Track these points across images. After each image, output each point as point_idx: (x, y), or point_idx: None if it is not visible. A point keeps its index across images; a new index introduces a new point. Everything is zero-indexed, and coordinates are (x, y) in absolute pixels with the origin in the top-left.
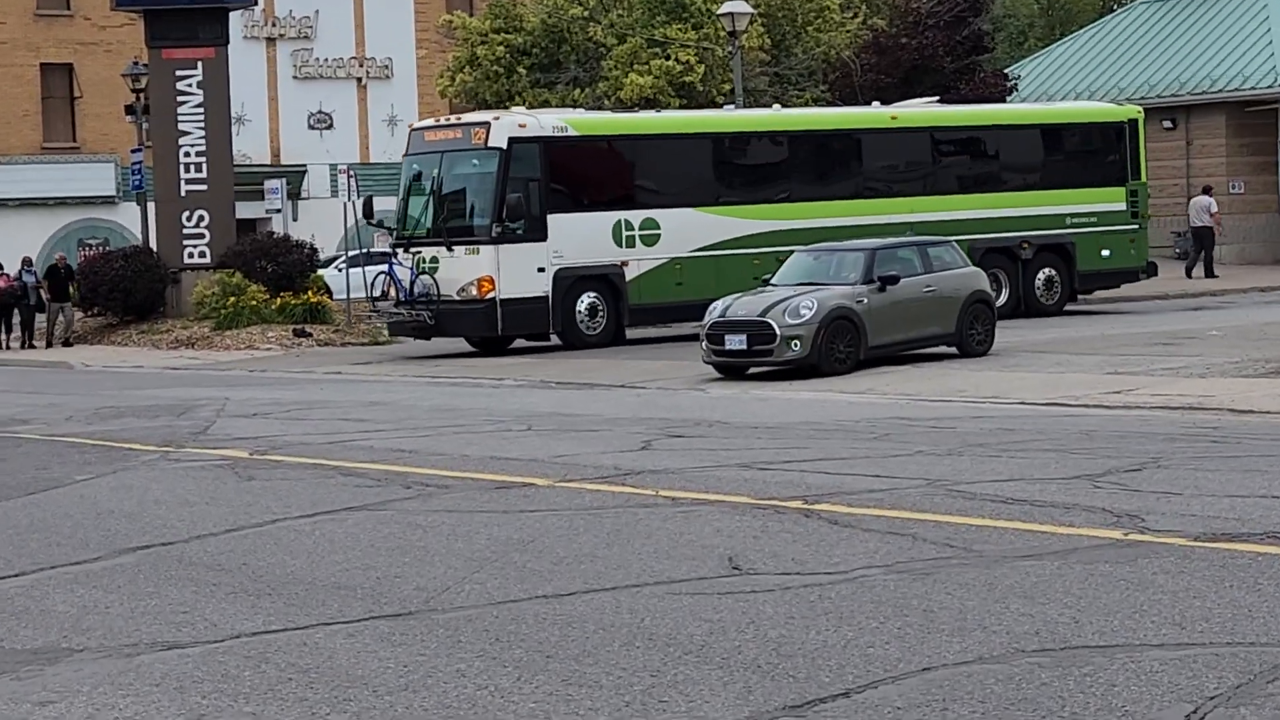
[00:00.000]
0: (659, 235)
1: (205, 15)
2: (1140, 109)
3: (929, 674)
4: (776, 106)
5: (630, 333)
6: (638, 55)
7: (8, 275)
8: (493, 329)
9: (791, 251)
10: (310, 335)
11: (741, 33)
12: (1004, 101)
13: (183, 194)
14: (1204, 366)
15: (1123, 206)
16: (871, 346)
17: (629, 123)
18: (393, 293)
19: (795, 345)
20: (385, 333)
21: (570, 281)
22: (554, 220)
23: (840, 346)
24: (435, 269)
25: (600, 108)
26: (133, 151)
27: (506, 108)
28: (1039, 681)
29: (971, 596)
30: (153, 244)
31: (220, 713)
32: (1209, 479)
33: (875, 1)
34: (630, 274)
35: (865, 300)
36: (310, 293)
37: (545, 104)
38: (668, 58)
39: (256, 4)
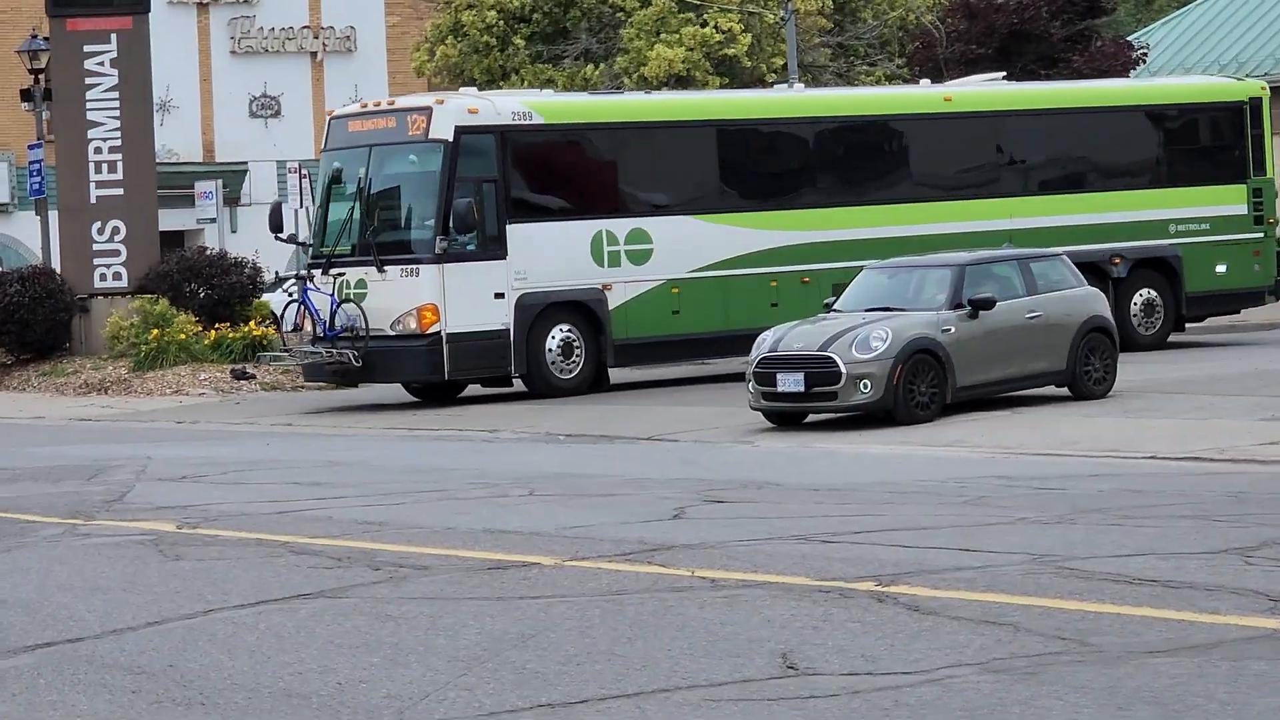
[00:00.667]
0: (650, 251)
1: None
2: (1265, 85)
3: None
4: (799, 86)
5: (615, 374)
6: (666, 22)
7: None
8: (437, 371)
9: (816, 271)
10: (252, 377)
11: None
12: (1126, 76)
13: (93, 200)
14: None
15: (1243, 209)
16: (960, 387)
17: (611, 107)
18: (308, 326)
19: (865, 386)
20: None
21: (537, 310)
22: (515, 232)
23: (921, 387)
24: (363, 296)
25: (619, 88)
26: (30, 147)
27: (499, 87)
28: None
29: (1088, 703)
30: (55, 263)
31: None
32: None
33: None
34: (614, 300)
35: (953, 329)
36: (252, 324)
37: (550, 83)
38: (704, 25)
39: None
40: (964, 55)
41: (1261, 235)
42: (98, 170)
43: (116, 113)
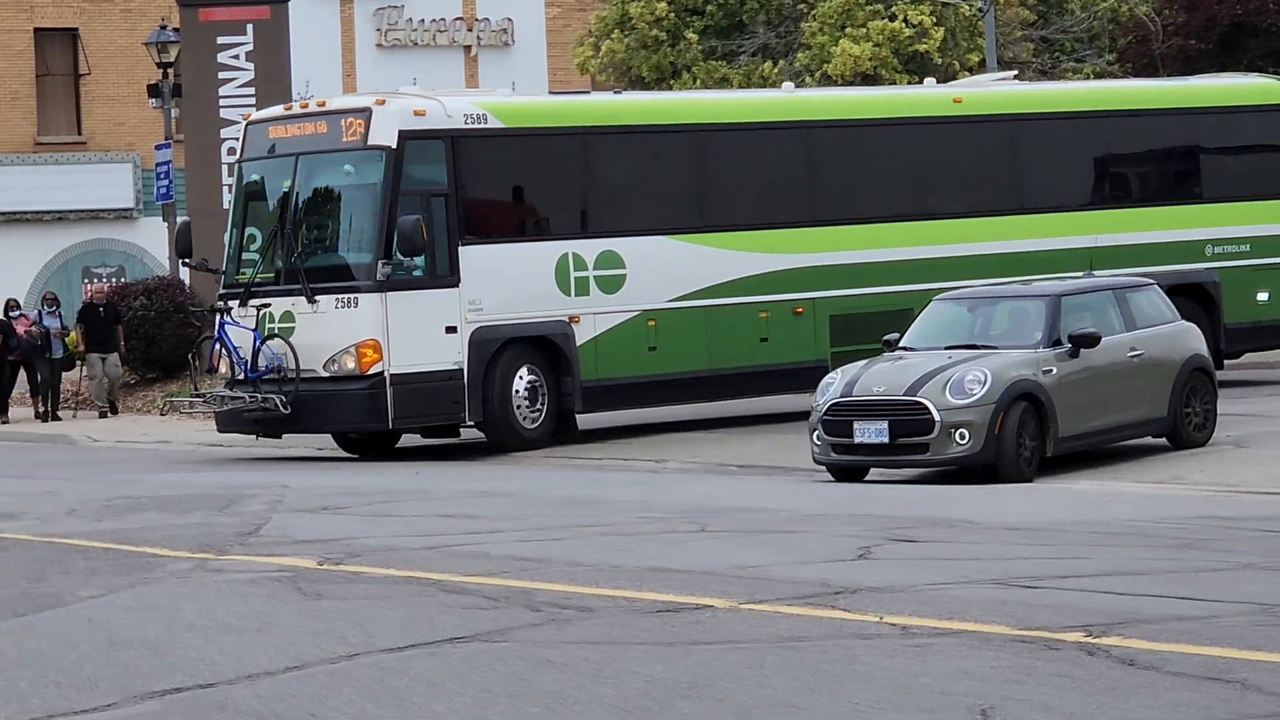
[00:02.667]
0: (623, 276)
1: None
2: None
3: None
4: (788, 85)
5: (584, 420)
6: (852, 15)
7: (26, 317)
8: (379, 419)
9: (812, 300)
10: None
11: None
12: None
13: (225, 205)
14: None
15: None
16: (1062, 438)
17: (578, 109)
18: (223, 368)
19: (961, 436)
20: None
21: (495, 347)
22: (469, 255)
23: (1025, 439)
24: (290, 331)
25: (802, 85)
26: (157, 148)
27: (670, 86)
28: None
29: None
30: (184, 274)
31: None
32: None
33: None
34: (582, 335)
35: (1054, 370)
36: None
37: (724, 81)
38: (893, 18)
39: None
40: (1181, 50)
41: None
42: (230, 173)
43: (253, 109)
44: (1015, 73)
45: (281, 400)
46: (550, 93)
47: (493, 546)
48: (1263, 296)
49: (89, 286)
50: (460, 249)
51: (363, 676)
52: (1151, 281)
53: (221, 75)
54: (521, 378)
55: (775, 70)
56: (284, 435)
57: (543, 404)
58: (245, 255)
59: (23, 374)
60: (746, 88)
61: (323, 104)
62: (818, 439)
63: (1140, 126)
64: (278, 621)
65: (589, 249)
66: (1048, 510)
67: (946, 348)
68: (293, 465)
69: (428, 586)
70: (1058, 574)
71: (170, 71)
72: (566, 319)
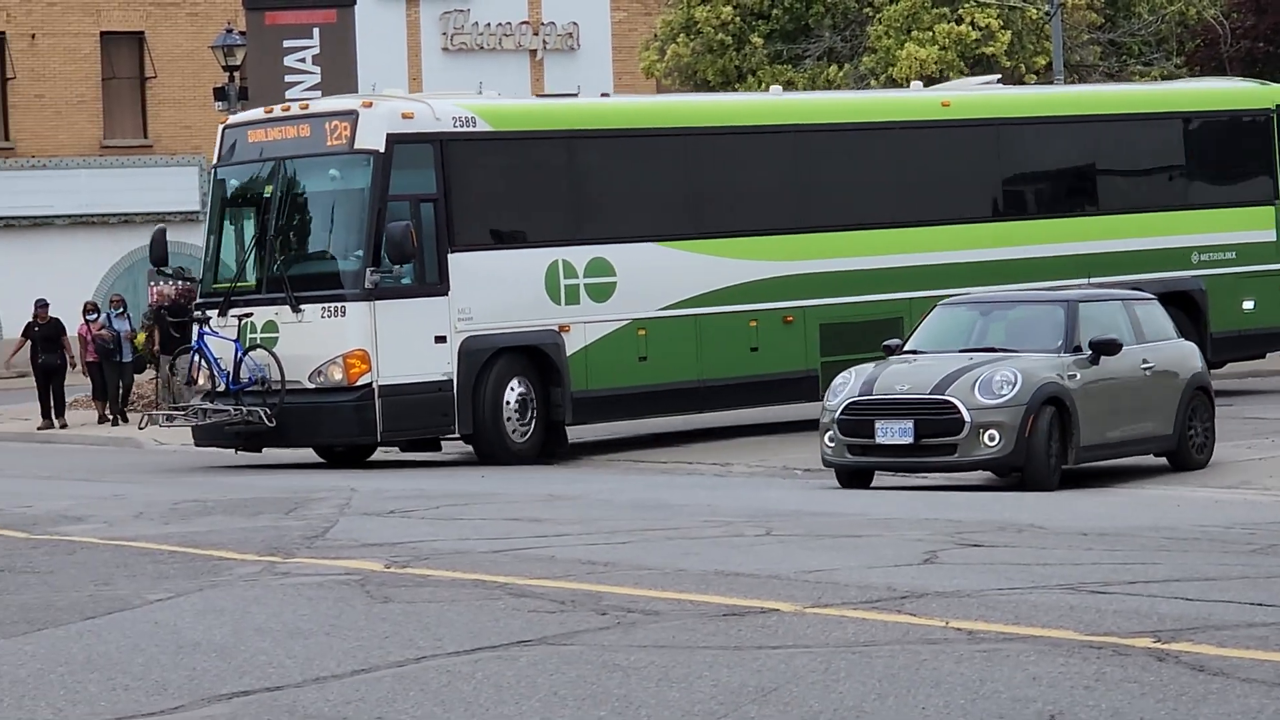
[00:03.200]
0: (613, 285)
1: None
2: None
3: None
4: (775, 89)
5: (574, 433)
6: (918, 18)
7: (98, 320)
8: (367, 431)
9: (802, 309)
10: None
11: None
12: None
13: None
14: None
15: (1272, 235)
16: (1084, 447)
17: (568, 112)
18: (202, 379)
19: (991, 438)
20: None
21: (486, 357)
22: (459, 262)
23: (1052, 444)
24: (273, 341)
25: (867, 89)
26: None
27: (735, 88)
28: None
29: None
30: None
31: None
32: None
33: None
34: (572, 345)
35: (1077, 376)
36: None
37: (790, 85)
38: (959, 21)
39: None
40: (1250, 53)
41: None
42: None
43: None
44: (999, 76)
45: (266, 413)
46: (537, 95)
47: (560, 550)
48: (1248, 305)
49: (154, 289)
50: (450, 256)
51: (431, 680)
52: (1153, 296)
53: (288, 79)
54: (513, 389)
55: (841, 74)
56: (265, 449)
57: (532, 416)
58: (223, 263)
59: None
60: (812, 90)
61: (305, 106)
62: (830, 440)
63: (1127, 131)
64: (345, 625)
65: (579, 256)
66: (1117, 515)
67: (961, 350)
68: (359, 470)
69: (495, 590)
70: (1127, 579)
71: (236, 75)
72: (557, 328)
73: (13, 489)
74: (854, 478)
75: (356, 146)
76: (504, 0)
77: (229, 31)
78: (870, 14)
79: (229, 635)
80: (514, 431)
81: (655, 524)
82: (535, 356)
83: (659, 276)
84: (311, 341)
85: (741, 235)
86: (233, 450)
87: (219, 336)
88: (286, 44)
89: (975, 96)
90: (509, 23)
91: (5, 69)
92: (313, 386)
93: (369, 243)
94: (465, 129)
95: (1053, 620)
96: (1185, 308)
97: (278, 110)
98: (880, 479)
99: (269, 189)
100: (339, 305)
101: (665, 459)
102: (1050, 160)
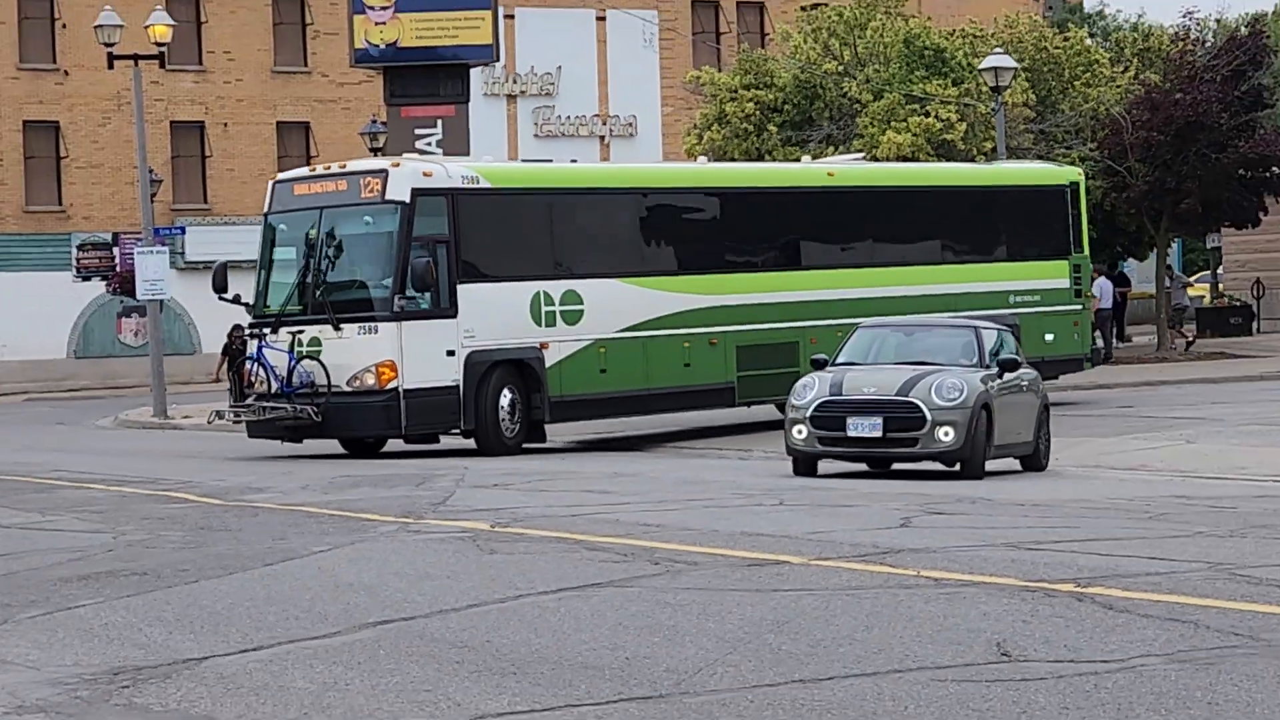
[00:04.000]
0: (581, 311)
1: (446, 72)
2: (1080, 171)
3: None
4: (702, 159)
5: (552, 431)
6: (895, 112)
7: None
8: (394, 426)
9: (721, 333)
10: None
11: (1004, 88)
12: None
13: None
14: None
15: (1065, 283)
16: (996, 446)
17: (547, 174)
18: (260, 383)
19: (945, 434)
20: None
21: (484, 368)
22: (465, 292)
23: (987, 441)
24: (317, 353)
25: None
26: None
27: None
28: None
29: (1260, 690)
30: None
31: None
32: None
33: (1149, 56)
34: (550, 359)
35: (993, 388)
36: None
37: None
38: (927, 114)
39: (498, 61)
40: (1145, 141)
41: (1080, 307)
42: None
43: None
44: (864, 154)
45: (314, 410)
46: (523, 160)
47: (622, 514)
48: (1049, 337)
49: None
50: (458, 287)
51: (526, 613)
52: (1011, 326)
53: None
54: (505, 394)
55: (837, 154)
56: (305, 440)
57: (519, 416)
58: (273, 291)
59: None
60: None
61: (343, 166)
62: (799, 432)
63: (964, 199)
64: (461, 570)
65: (555, 288)
66: (1045, 492)
67: (895, 364)
68: (468, 455)
69: (574, 545)
70: (1054, 539)
71: (379, 154)
72: (538, 345)
73: (207, 468)
74: (808, 465)
75: (387, 198)
76: (580, 97)
77: (374, 121)
78: (859, 109)
79: (374, 578)
80: (506, 429)
81: (694, 495)
82: (522, 368)
83: (616, 305)
84: (349, 354)
85: (678, 274)
86: (279, 441)
87: (275, 349)
88: (417, 131)
89: (853, 169)
90: (584, 115)
91: (205, 148)
92: (349, 390)
93: (397, 275)
94: (470, 185)
95: (998, 570)
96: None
97: (320, 169)
98: (825, 466)
99: (311, 231)
100: (373, 324)
101: (701, 448)
102: (909, 220)
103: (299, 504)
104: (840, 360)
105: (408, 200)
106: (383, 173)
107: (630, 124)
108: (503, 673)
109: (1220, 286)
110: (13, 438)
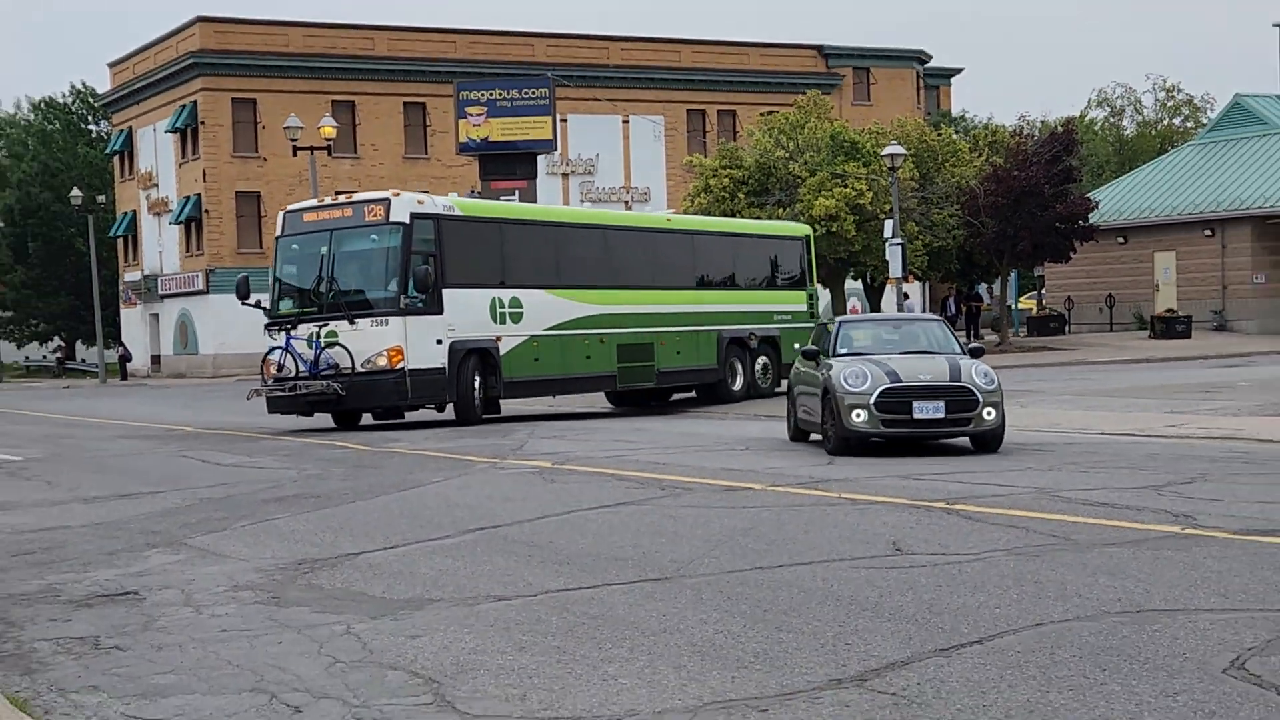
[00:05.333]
0: (522, 314)
1: (520, 157)
2: (809, 228)
3: (1040, 628)
4: (585, 204)
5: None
6: (824, 185)
7: None
8: (402, 398)
9: (606, 334)
10: None
11: (898, 168)
12: (1087, 218)
13: None
14: (1236, 408)
15: (805, 308)
16: None
17: (496, 208)
18: (288, 368)
19: (989, 414)
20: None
21: (462, 354)
22: (448, 294)
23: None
24: (333, 344)
25: (796, 220)
26: None
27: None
28: (1121, 635)
29: (1069, 572)
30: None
31: (535, 645)
32: (1244, 490)
33: (995, 145)
34: (503, 349)
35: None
36: None
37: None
38: (846, 186)
39: (555, 149)
40: (994, 204)
41: (812, 325)
42: None
43: None
44: (673, 211)
45: (339, 386)
46: (481, 196)
47: (641, 456)
48: (796, 346)
49: None
50: (443, 290)
51: (575, 521)
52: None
53: None
54: (476, 376)
55: (785, 213)
56: (315, 414)
57: (482, 393)
58: (287, 296)
59: None
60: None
61: (349, 196)
62: (859, 416)
63: (744, 244)
64: (532, 494)
65: (505, 295)
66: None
67: (902, 353)
68: (533, 421)
69: (609, 477)
70: (931, 473)
71: None
72: (495, 338)
73: (358, 430)
74: (861, 445)
75: (391, 219)
76: (611, 175)
77: (472, 192)
78: (800, 182)
79: (473, 499)
80: (476, 403)
81: (691, 444)
82: (484, 355)
83: (544, 310)
84: (364, 342)
85: (581, 289)
86: (295, 415)
87: (299, 340)
88: (502, 198)
89: (680, 217)
90: (614, 186)
91: None
92: (364, 370)
93: (402, 279)
94: (450, 213)
95: (894, 493)
96: (772, 346)
97: (327, 200)
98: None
99: (323, 249)
100: (384, 318)
101: (701, 414)
102: (714, 257)
103: (423, 450)
104: (844, 350)
105: (407, 221)
106: (386, 200)
107: (645, 193)
108: (559, 563)
109: (1044, 301)
110: (229, 405)
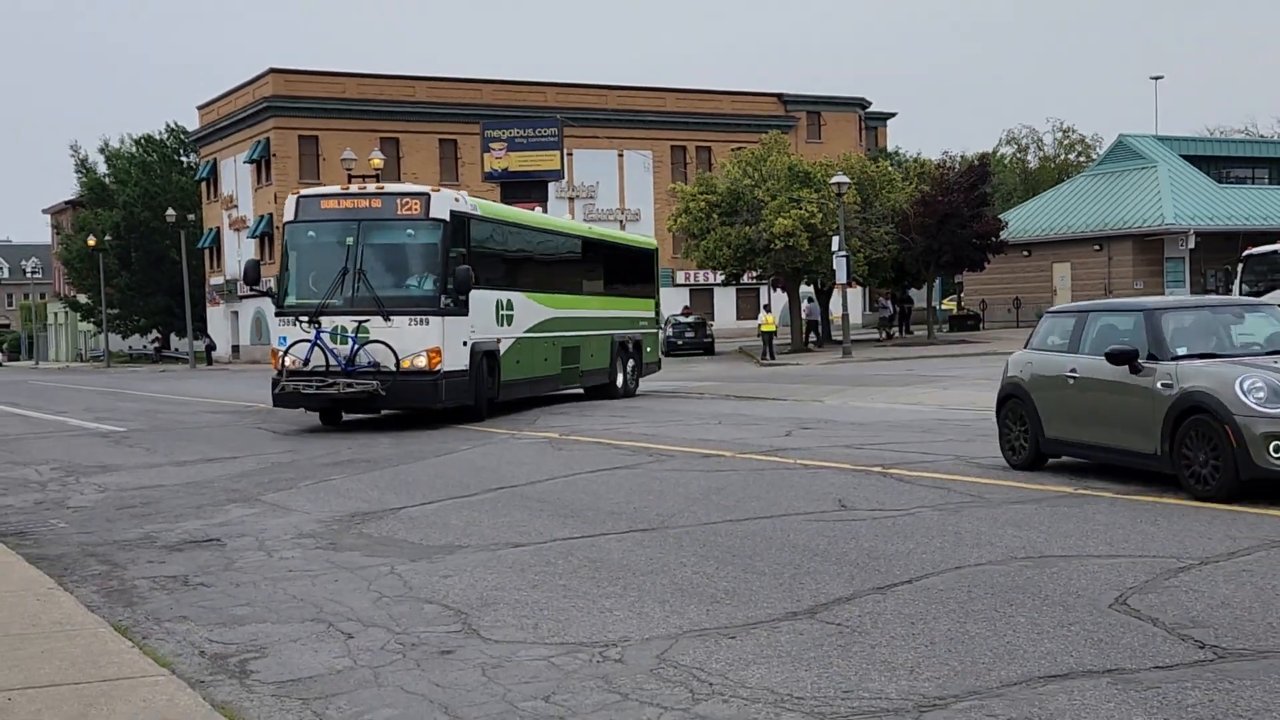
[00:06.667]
0: (514, 316)
1: (535, 184)
2: (655, 242)
3: (959, 570)
4: (537, 209)
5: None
6: (784, 208)
7: None
8: (437, 400)
9: (554, 339)
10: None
11: (844, 193)
12: (998, 235)
13: None
14: None
15: (653, 314)
16: None
17: (505, 211)
18: (317, 362)
19: None
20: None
21: (480, 356)
22: (473, 295)
23: None
24: (372, 340)
25: (761, 238)
26: None
27: (706, 238)
28: (1025, 576)
29: (983, 525)
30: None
31: (545, 584)
32: None
33: (924, 175)
34: (502, 350)
35: None
36: None
37: (726, 236)
38: (801, 208)
39: (563, 178)
40: (922, 223)
41: (658, 331)
42: None
43: None
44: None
45: (379, 385)
46: (498, 200)
47: (633, 428)
48: (649, 349)
49: None
50: (469, 292)
51: (578, 483)
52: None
53: None
54: (490, 378)
55: (751, 231)
56: (343, 413)
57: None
58: (298, 286)
59: None
60: (738, 245)
61: (380, 186)
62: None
63: (620, 252)
64: (543, 460)
65: (505, 297)
66: (864, 416)
67: (1271, 353)
68: (548, 406)
69: (606, 446)
70: (871, 442)
71: None
72: (497, 340)
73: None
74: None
75: (431, 215)
76: (608, 199)
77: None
78: (763, 205)
79: (495, 463)
80: (484, 407)
81: (673, 420)
82: (491, 357)
83: (525, 313)
84: (399, 340)
85: (544, 292)
86: (302, 410)
87: (325, 333)
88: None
89: (593, 228)
90: (612, 208)
91: None
92: (407, 370)
93: (441, 279)
94: (475, 213)
95: (840, 460)
96: (638, 347)
97: (352, 188)
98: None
99: (348, 240)
100: (424, 317)
101: (683, 394)
102: (608, 264)
103: (453, 424)
104: (1181, 350)
105: (447, 219)
106: (424, 195)
107: (637, 213)
108: (565, 516)
109: (962, 303)
110: None
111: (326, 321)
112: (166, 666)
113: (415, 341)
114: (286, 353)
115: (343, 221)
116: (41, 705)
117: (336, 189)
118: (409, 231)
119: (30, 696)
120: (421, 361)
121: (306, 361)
